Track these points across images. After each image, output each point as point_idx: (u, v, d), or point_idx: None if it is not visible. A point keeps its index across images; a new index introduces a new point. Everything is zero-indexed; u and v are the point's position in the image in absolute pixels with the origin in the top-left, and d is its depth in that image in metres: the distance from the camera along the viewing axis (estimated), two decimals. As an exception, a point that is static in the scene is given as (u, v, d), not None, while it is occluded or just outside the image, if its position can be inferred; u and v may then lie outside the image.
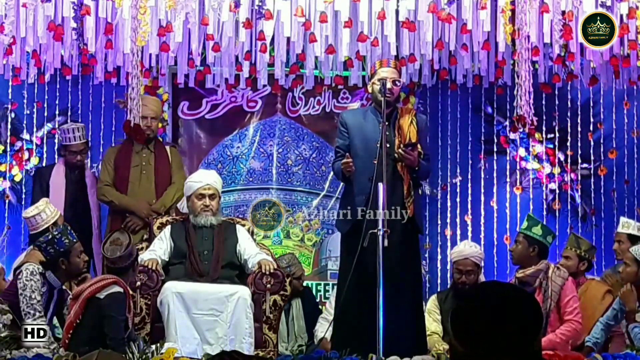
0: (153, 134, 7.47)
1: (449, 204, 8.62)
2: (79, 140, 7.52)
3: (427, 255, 8.41)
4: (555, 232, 6.62)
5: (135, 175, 7.38)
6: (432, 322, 6.74)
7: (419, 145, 5.94)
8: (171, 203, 7.31)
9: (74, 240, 5.88)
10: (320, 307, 7.52)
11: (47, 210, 6.64)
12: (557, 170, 8.59)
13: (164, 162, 7.43)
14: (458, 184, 8.64)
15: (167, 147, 7.64)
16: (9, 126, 8.40)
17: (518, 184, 8.63)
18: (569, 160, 8.58)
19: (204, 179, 6.74)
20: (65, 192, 7.52)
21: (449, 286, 7.27)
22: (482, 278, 7.10)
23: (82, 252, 5.96)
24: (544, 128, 8.54)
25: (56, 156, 8.13)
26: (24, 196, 8.37)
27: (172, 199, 7.33)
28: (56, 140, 8.13)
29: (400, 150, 5.87)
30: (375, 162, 5.76)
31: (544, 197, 8.60)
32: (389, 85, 5.91)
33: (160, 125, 8.31)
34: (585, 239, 7.20)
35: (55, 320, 6.13)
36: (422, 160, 6.00)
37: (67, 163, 7.59)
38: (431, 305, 6.88)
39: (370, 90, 6.16)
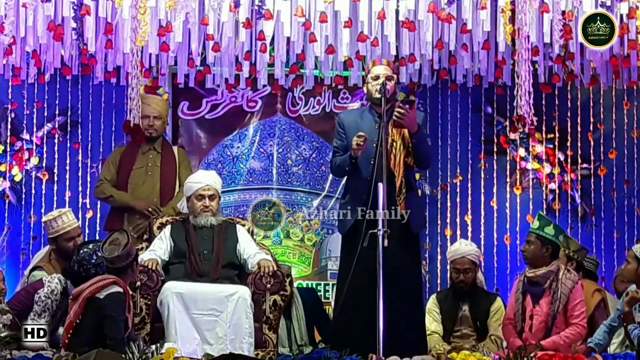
0: (157, 134, 7.40)
1: (449, 204, 8.62)
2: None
3: (427, 255, 8.41)
4: (566, 231, 6.59)
5: (138, 177, 7.33)
6: (432, 321, 6.75)
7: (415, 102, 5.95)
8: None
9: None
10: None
11: (65, 217, 6.58)
12: (557, 170, 8.59)
13: (170, 164, 7.39)
14: (458, 184, 8.63)
15: (175, 148, 7.58)
16: (9, 126, 8.40)
17: (518, 184, 8.63)
18: (569, 160, 8.58)
19: (204, 179, 6.73)
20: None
21: (448, 286, 7.27)
22: (480, 277, 7.11)
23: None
24: (544, 128, 8.54)
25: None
26: (24, 196, 8.38)
27: None
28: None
29: (397, 109, 5.84)
30: (373, 162, 5.77)
31: (544, 197, 8.59)
32: (381, 80, 5.92)
33: (162, 124, 8.31)
34: (575, 239, 7.19)
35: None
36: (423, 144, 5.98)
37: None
38: (431, 305, 6.89)
39: (365, 90, 6.17)
